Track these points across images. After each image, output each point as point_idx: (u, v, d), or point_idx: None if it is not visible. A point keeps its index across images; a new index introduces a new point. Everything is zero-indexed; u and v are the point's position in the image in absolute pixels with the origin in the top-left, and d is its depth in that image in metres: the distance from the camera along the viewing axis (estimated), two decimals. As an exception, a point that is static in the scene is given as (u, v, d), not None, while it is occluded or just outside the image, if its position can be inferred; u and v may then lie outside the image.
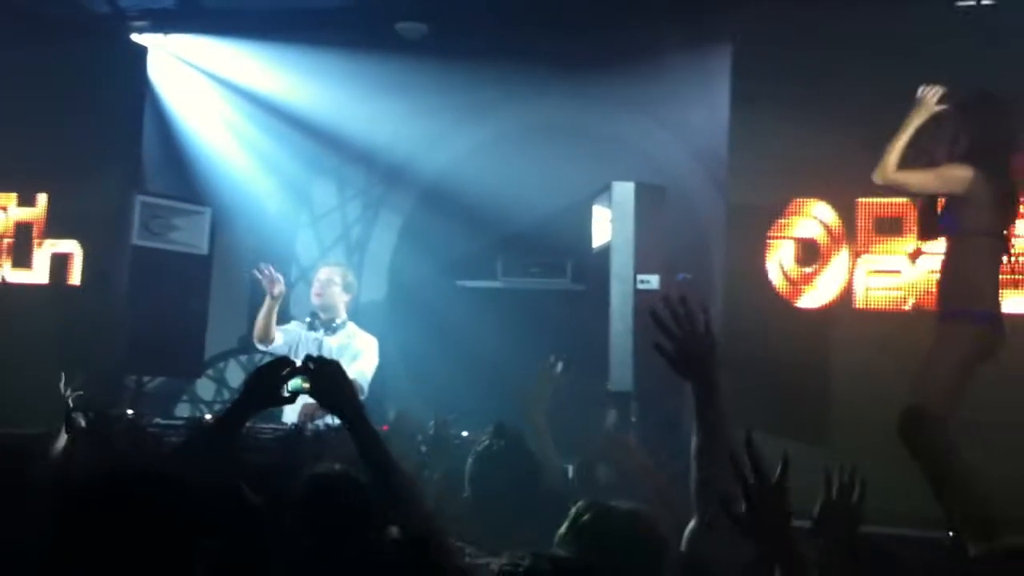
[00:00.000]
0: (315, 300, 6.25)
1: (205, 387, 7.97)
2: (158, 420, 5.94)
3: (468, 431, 4.97)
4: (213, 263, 7.20)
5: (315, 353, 3.79)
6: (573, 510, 2.72)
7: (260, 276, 6.15)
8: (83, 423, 4.32)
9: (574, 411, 5.89)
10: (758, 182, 5.88)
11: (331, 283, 6.17)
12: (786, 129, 5.71)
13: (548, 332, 6.86)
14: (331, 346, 6.05)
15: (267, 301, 6.14)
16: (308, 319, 6.31)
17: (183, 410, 7.69)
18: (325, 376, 2.75)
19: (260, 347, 6.33)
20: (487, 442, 3.67)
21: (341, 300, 6.19)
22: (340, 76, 7.33)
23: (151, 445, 5.42)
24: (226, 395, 7.90)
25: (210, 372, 7.89)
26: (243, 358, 8.06)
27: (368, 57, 7.15)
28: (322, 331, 6.18)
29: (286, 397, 2.85)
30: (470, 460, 3.63)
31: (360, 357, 6.07)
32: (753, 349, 5.62)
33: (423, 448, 4.07)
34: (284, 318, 8.15)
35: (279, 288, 6.12)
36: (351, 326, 6.22)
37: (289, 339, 6.22)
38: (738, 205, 5.98)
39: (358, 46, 7.11)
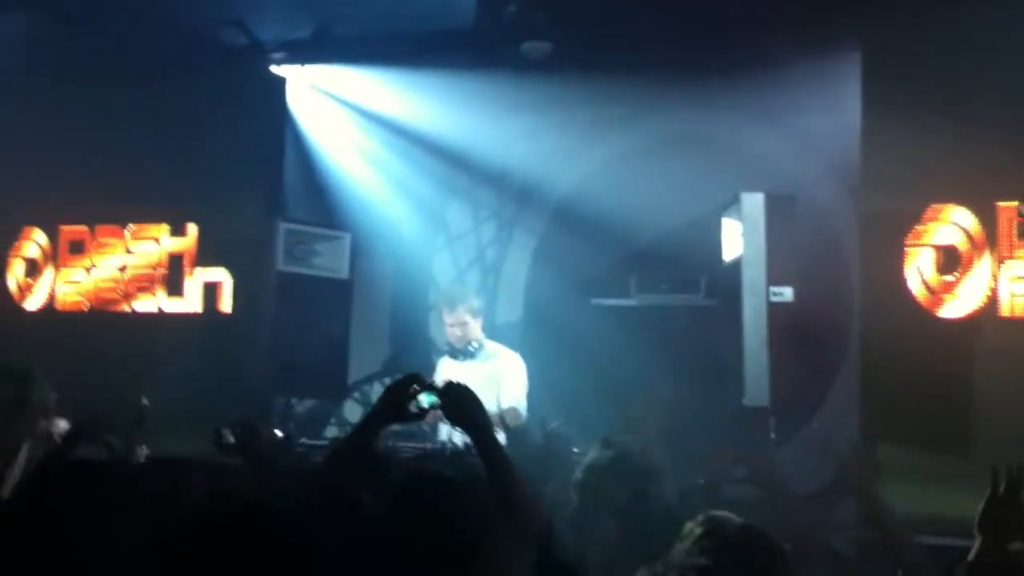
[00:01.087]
0: (451, 338, 6.37)
1: (352, 410, 8.17)
2: (304, 440, 6.14)
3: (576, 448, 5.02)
4: (354, 287, 7.39)
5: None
6: (689, 525, 2.71)
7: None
8: (231, 439, 4.52)
9: (708, 427, 5.87)
10: (893, 189, 5.74)
11: (462, 325, 6.28)
12: (921, 134, 5.57)
13: (682, 348, 6.83)
14: (477, 374, 6.13)
15: None
16: (447, 352, 6.42)
17: (331, 432, 7.91)
18: (454, 393, 2.83)
19: None
20: (596, 455, 3.70)
21: (476, 327, 6.31)
22: (469, 98, 7.45)
23: (295, 460, 5.63)
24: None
25: (356, 395, 8.07)
26: (387, 380, 8.23)
27: (495, 77, 7.25)
28: (462, 358, 6.29)
29: (415, 413, 2.92)
30: (578, 472, 3.67)
31: (507, 381, 6.14)
32: (893, 361, 5.48)
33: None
34: (425, 342, 8.36)
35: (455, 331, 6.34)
36: (489, 345, 6.32)
37: (446, 374, 6.34)
38: (873, 213, 5.85)
39: (485, 67, 7.21)
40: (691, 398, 5.99)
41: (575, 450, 4.27)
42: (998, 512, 2.67)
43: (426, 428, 5.67)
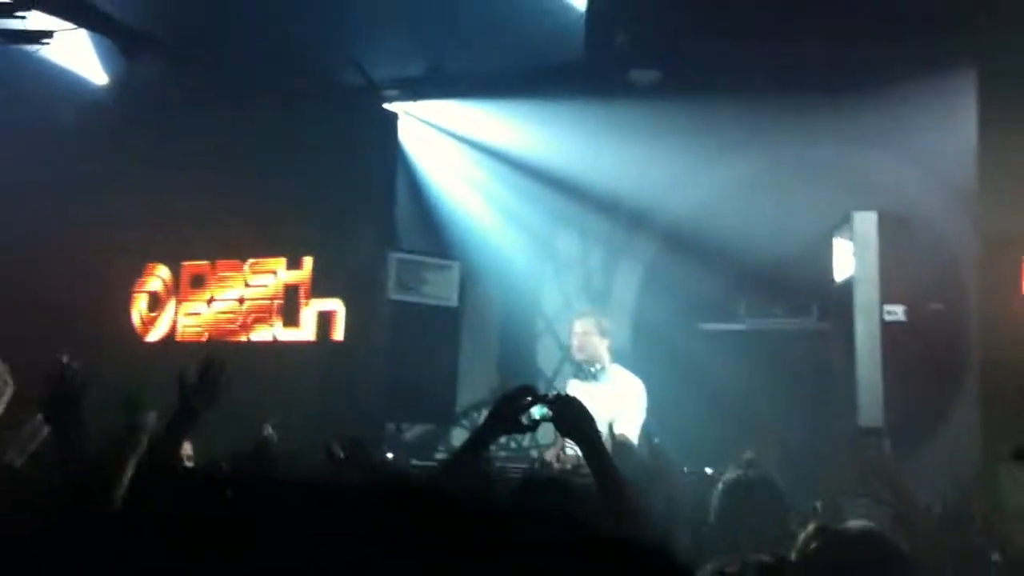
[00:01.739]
0: (578, 355, 6.41)
1: (460, 436, 8.25)
2: (414, 461, 6.25)
3: (709, 468, 4.99)
4: (463, 315, 7.50)
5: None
6: (802, 536, 2.70)
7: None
8: (341, 453, 4.63)
9: (822, 451, 5.79)
10: (1012, 207, 5.62)
11: (588, 335, 6.30)
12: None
13: (794, 371, 6.76)
14: (599, 395, 6.14)
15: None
16: (576, 373, 6.45)
17: (439, 457, 8.00)
18: (565, 405, 2.87)
19: None
20: (740, 472, 3.71)
21: (602, 346, 6.31)
22: (578, 127, 7.53)
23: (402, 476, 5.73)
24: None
25: (464, 422, 8.17)
26: (495, 407, 8.32)
27: (604, 106, 7.32)
28: (586, 379, 6.29)
29: (527, 424, 2.97)
30: (719, 488, 3.67)
31: (626, 406, 6.12)
32: (1014, 379, 5.34)
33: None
34: (533, 371, 8.40)
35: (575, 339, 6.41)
36: (615, 369, 6.32)
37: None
38: (991, 232, 5.73)
39: (593, 96, 7.29)
40: (804, 422, 5.93)
41: (684, 469, 4.27)
42: None
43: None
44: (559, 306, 8.49)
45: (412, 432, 7.69)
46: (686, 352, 7.28)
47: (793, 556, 2.70)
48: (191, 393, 3.25)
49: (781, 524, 3.54)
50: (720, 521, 3.61)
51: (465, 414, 8.06)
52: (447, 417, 7.54)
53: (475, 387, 8.10)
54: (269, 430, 4.83)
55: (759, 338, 7.22)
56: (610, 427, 4.90)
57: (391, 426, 7.19)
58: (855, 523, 2.85)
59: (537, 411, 2.96)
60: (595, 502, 2.91)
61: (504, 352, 8.50)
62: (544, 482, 2.92)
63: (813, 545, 2.66)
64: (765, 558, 2.30)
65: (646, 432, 4.67)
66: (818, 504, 4.74)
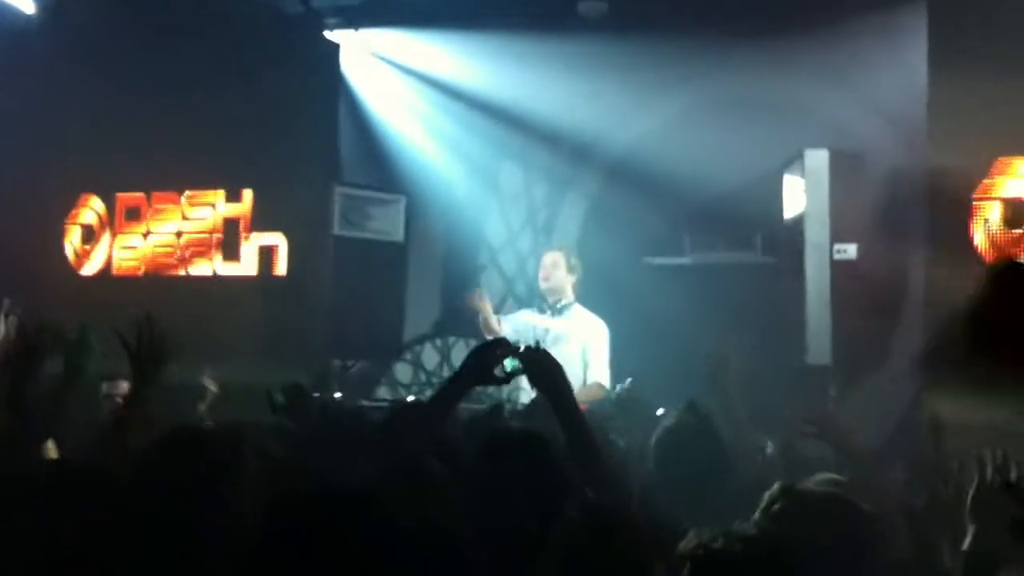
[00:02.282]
0: (543, 284, 6.42)
1: (403, 371, 8.21)
2: (363, 402, 6.19)
3: (661, 408, 5.00)
4: (408, 250, 7.41)
5: (544, 339, 3.90)
6: (767, 495, 2.69)
7: (467, 305, 6.39)
8: (282, 400, 4.57)
9: (769, 386, 5.84)
10: (960, 143, 5.65)
11: (556, 266, 6.33)
12: (989, 86, 5.47)
13: (739, 306, 6.79)
14: (558, 331, 6.13)
15: (481, 317, 6.32)
16: (537, 302, 6.46)
17: (383, 393, 7.96)
18: (537, 358, 2.84)
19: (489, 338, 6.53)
20: (678, 419, 3.66)
21: (568, 282, 6.34)
22: (523, 59, 7.42)
23: (355, 419, 5.68)
24: (423, 378, 8.12)
25: (407, 356, 8.13)
26: (438, 342, 8.28)
27: (550, 39, 7.22)
28: (549, 313, 6.29)
29: (501, 377, 2.93)
30: (656, 435, 3.62)
31: (593, 350, 6.13)
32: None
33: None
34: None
35: (486, 305, 6.44)
36: (577, 308, 6.32)
37: (516, 327, 6.35)
38: (939, 168, 5.76)
39: (540, 28, 7.18)
40: (750, 356, 5.96)
41: (659, 411, 4.25)
42: (987, 499, 2.65)
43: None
44: (503, 239, 8.44)
45: (354, 368, 7.63)
46: (631, 286, 7.28)
47: (757, 515, 2.69)
48: (139, 363, 3.13)
49: (722, 470, 3.51)
50: (660, 470, 3.56)
51: (408, 348, 8.03)
52: (393, 353, 7.48)
53: (418, 322, 8.05)
54: (211, 386, 4.73)
55: (704, 272, 7.25)
56: (584, 374, 4.89)
57: (337, 362, 7.10)
58: (820, 482, 2.85)
59: (509, 364, 2.92)
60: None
61: (447, 286, 8.44)
62: (518, 435, 2.86)
63: (776, 507, 2.66)
64: (749, 531, 2.28)
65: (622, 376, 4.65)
66: (768, 445, 4.78)
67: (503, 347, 2.92)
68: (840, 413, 5.02)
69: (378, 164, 7.84)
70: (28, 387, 3.20)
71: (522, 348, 2.88)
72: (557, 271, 6.31)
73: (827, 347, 5.56)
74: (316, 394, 5.46)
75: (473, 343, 8.06)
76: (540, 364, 2.84)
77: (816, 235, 5.66)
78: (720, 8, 6.73)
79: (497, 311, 8.28)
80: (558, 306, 6.29)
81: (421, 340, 8.23)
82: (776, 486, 2.77)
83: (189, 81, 7.67)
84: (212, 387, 4.82)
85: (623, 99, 7.72)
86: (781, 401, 5.48)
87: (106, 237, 8.20)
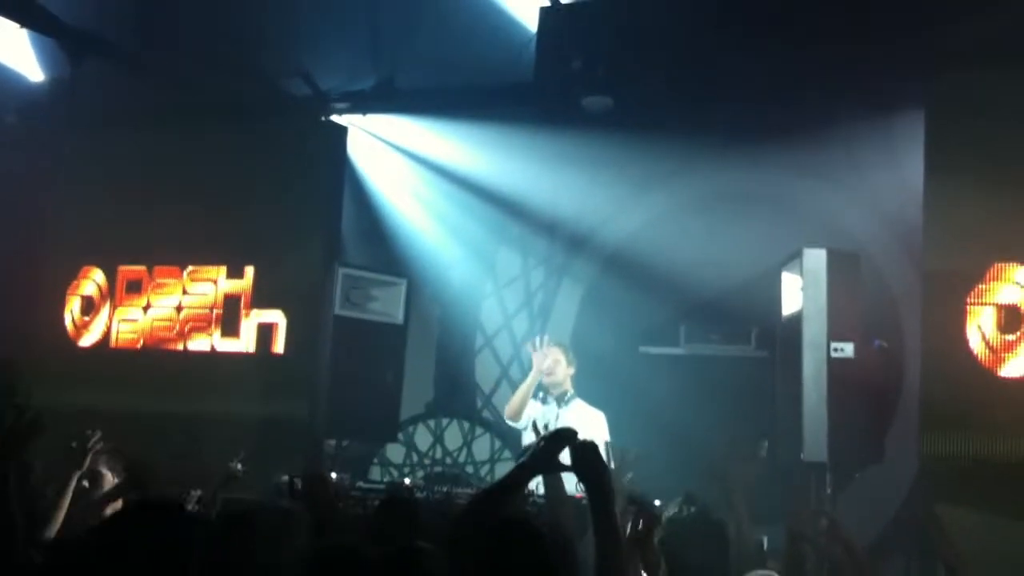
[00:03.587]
0: (546, 380, 6.48)
1: (394, 451, 8.22)
2: (360, 484, 6.20)
3: (658, 500, 5.03)
4: (407, 332, 7.46)
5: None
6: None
7: (532, 350, 6.43)
8: (299, 487, 4.59)
9: (764, 481, 5.88)
10: (955, 247, 5.79)
11: (558, 363, 6.44)
12: (984, 193, 5.62)
13: (733, 398, 6.84)
14: (566, 420, 6.19)
15: (531, 375, 6.40)
16: (540, 394, 6.51)
17: (375, 473, 7.96)
18: (586, 450, 2.88)
19: (510, 423, 6.55)
20: (678, 510, 3.72)
21: (567, 375, 6.45)
22: (526, 149, 7.58)
23: (353, 504, 5.69)
24: (415, 459, 8.14)
25: (400, 437, 8.14)
26: (431, 423, 8.31)
27: (554, 131, 7.39)
28: (555, 404, 6.40)
29: (567, 465, 2.97)
30: (662, 527, 3.68)
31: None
32: (952, 418, 5.50)
33: None
34: (471, 386, 8.41)
35: (547, 361, 6.37)
36: (578, 401, 6.43)
37: (529, 414, 6.41)
38: (934, 271, 5.89)
39: (544, 121, 7.34)
40: (754, 457, 6.00)
41: (657, 503, 4.28)
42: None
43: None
44: (498, 323, 8.51)
45: (345, 447, 7.63)
46: (626, 374, 7.33)
47: None
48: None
49: (725, 561, 3.58)
50: (666, 559, 3.61)
51: (401, 428, 8.04)
52: (389, 434, 7.49)
53: (412, 403, 8.08)
54: (237, 467, 4.77)
55: (698, 363, 7.30)
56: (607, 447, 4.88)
57: (331, 443, 7.10)
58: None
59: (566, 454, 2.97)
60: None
61: (441, 367, 8.49)
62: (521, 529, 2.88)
63: None
64: None
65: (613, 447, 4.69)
66: (764, 539, 4.82)
67: (567, 438, 2.96)
68: (837, 510, 5.05)
69: (381, 246, 7.93)
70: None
71: (577, 440, 2.90)
72: (559, 367, 6.46)
73: (823, 444, 5.59)
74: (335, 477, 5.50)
75: (466, 425, 8.22)
76: (589, 456, 2.88)
77: (814, 333, 5.72)
78: (722, 108, 6.89)
79: (491, 394, 8.37)
80: (564, 399, 6.39)
81: (414, 421, 8.26)
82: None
83: (195, 157, 7.81)
84: (238, 469, 4.83)
85: (622, 190, 7.86)
86: (777, 496, 5.54)
87: (106, 309, 8.23)
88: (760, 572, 3.12)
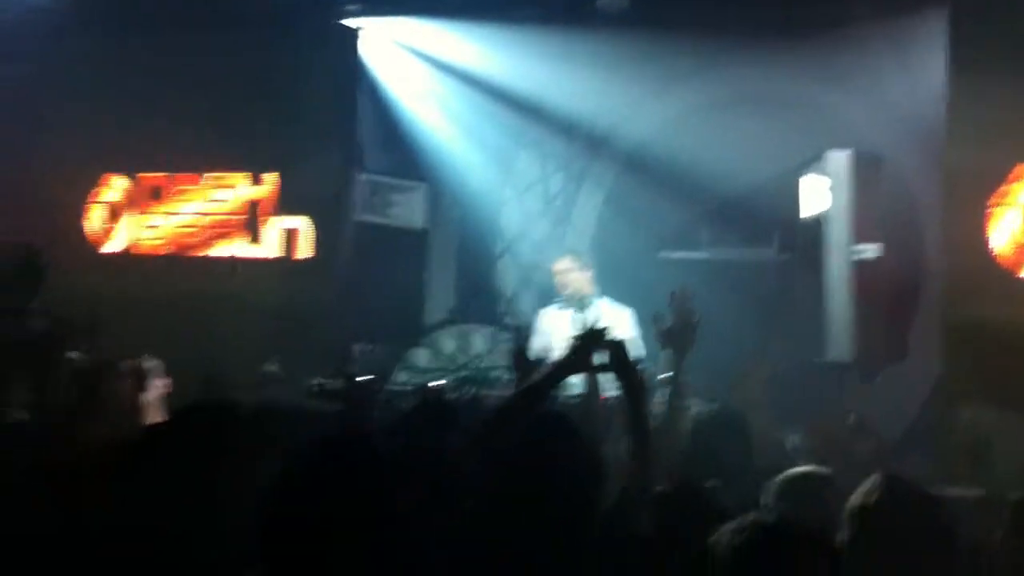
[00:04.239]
0: (563, 293, 6.44)
1: (419, 355, 8.28)
2: (387, 386, 6.30)
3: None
4: (429, 236, 7.49)
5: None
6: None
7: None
8: (330, 386, 4.68)
9: (787, 382, 5.96)
10: (979, 148, 5.76)
11: (568, 272, 6.36)
12: (1009, 92, 5.58)
13: (755, 302, 6.90)
14: (585, 322, 6.20)
15: None
16: (559, 302, 6.50)
17: (402, 377, 8.04)
18: (621, 348, 2.93)
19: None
20: (706, 410, 3.79)
21: (584, 279, 6.36)
22: (543, 50, 7.48)
23: (383, 404, 5.78)
24: (439, 363, 8.22)
25: (424, 341, 8.20)
26: (455, 328, 8.38)
27: (570, 31, 7.29)
28: (572, 310, 6.34)
29: (596, 366, 3.02)
30: (687, 424, 3.74)
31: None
32: (973, 319, 5.55)
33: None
34: (489, 290, 8.45)
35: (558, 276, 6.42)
36: (603, 302, 6.35)
37: (548, 323, 6.41)
38: (957, 172, 5.87)
39: (560, 21, 7.25)
40: (778, 355, 6.07)
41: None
42: None
43: None
44: (519, 228, 8.53)
45: (375, 351, 7.70)
46: (647, 280, 7.37)
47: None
48: None
49: (746, 458, 3.65)
50: (688, 457, 3.67)
51: (426, 333, 8.11)
52: (414, 338, 7.57)
53: (436, 307, 8.16)
54: (273, 367, 4.84)
55: (720, 268, 7.34)
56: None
57: (356, 347, 7.19)
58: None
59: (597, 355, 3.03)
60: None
61: (462, 273, 8.53)
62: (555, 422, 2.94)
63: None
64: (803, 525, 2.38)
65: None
66: (791, 439, 4.91)
67: (598, 337, 3.01)
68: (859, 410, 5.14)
69: (397, 151, 7.91)
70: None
71: (612, 339, 2.95)
72: (571, 275, 6.37)
73: (847, 344, 5.66)
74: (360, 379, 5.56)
75: (490, 330, 8.28)
76: (623, 353, 2.93)
77: (837, 235, 5.76)
78: (741, 6, 6.80)
79: (511, 300, 8.41)
80: (583, 304, 6.35)
81: (438, 326, 8.33)
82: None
83: (214, 63, 7.75)
84: (276, 370, 4.89)
85: (639, 91, 7.77)
86: (800, 397, 5.63)
87: (128, 216, 8.26)
88: (801, 468, 3.18)
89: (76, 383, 3.72)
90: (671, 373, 3.68)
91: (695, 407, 3.88)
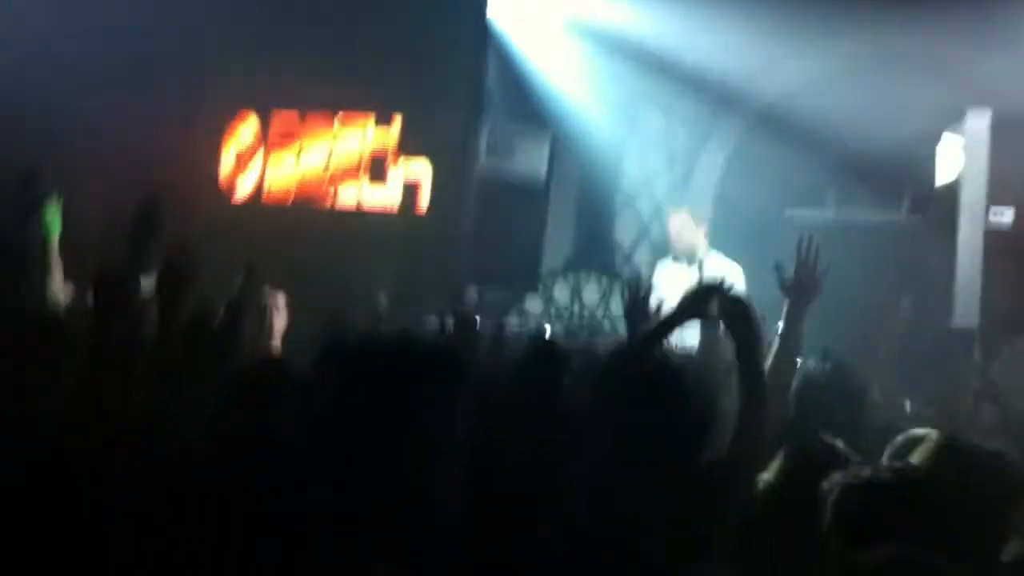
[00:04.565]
0: (675, 246, 6.54)
1: (533, 303, 8.33)
2: (500, 330, 6.34)
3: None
4: (549, 186, 7.50)
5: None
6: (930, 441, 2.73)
7: None
8: (447, 324, 4.73)
9: (913, 346, 5.83)
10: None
11: (684, 227, 6.46)
12: None
13: (882, 264, 6.73)
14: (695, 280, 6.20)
15: None
16: (672, 257, 6.50)
17: (514, 322, 8.10)
18: (736, 303, 2.90)
19: None
20: (813, 364, 3.72)
21: (698, 236, 6.44)
22: (671, 5, 7.39)
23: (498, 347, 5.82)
24: (553, 312, 8.27)
25: (539, 288, 8.25)
26: (570, 277, 8.41)
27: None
28: (686, 263, 6.39)
29: (713, 314, 3.01)
30: (795, 381, 3.66)
31: None
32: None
33: None
34: (607, 242, 8.44)
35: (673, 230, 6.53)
36: (713, 257, 6.40)
37: (662, 276, 6.40)
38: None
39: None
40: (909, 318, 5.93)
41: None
42: None
43: None
44: (639, 183, 8.48)
45: (491, 295, 7.77)
46: (771, 239, 7.25)
47: (918, 462, 2.73)
48: None
49: (858, 417, 3.57)
50: (797, 414, 3.61)
51: (541, 280, 8.15)
52: (530, 284, 7.62)
53: (552, 256, 8.18)
54: (382, 297, 4.93)
55: (848, 228, 7.17)
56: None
57: (473, 290, 7.27)
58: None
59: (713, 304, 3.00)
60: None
61: (580, 224, 8.53)
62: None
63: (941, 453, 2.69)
64: (890, 472, 2.35)
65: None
66: (907, 404, 4.81)
67: (715, 289, 2.99)
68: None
69: (522, 100, 7.89)
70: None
71: (729, 291, 2.92)
72: (686, 231, 6.44)
73: (975, 310, 5.50)
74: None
75: (604, 279, 8.27)
76: (737, 310, 2.90)
77: (971, 198, 5.59)
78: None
79: (630, 255, 8.38)
80: (694, 258, 6.34)
81: (554, 275, 8.36)
82: (937, 434, 2.81)
83: (340, 5, 7.86)
84: (383, 303, 5.00)
85: (771, 47, 7.58)
86: (925, 362, 5.50)
87: (259, 156, 8.43)
88: (917, 430, 3.11)
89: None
90: (785, 325, 3.61)
91: (808, 362, 3.83)
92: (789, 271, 3.66)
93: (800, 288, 3.63)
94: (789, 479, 2.79)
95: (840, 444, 2.92)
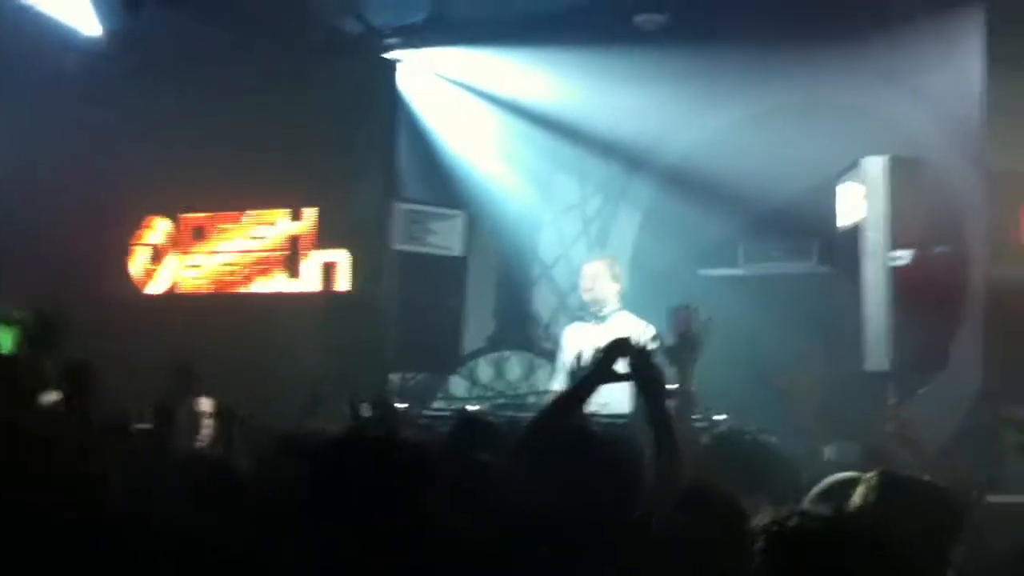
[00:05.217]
0: (585, 296, 6.32)
1: (456, 384, 8.28)
2: (425, 412, 6.30)
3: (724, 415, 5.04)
4: (468, 263, 7.51)
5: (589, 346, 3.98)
6: (863, 480, 2.75)
7: None
8: (368, 413, 4.69)
9: (829, 393, 5.88)
10: (1020, 147, 5.66)
11: (598, 277, 6.22)
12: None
13: (796, 316, 6.81)
14: (606, 338, 6.12)
15: None
16: (581, 315, 6.42)
17: (439, 405, 8.04)
18: (645, 358, 2.92)
19: None
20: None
21: (612, 291, 6.22)
22: (580, 72, 7.49)
23: (421, 431, 5.78)
24: (475, 392, 8.21)
25: (461, 370, 8.20)
26: (493, 356, 8.37)
27: (608, 52, 7.29)
28: (593, 322, 6.23)
29: (622, 375, 3.01)
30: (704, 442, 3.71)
31: None
32: (1016, 321, 5.45)
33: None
34: (527, 316, 8.43)
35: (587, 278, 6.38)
36: (622, 315, 6.20)
37: (572, 339, 6.33)
38: (998, 173, 5.78)
39: (597, 41, 7.25)
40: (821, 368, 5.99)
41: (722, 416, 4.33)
42: None
43: None
44: (556, 252, 8.50)
45: (415, 381, 7.72)
46: (686, 297, 7.29)
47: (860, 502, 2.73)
48: None
49: (760, 478, 3.60)
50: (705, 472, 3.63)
51: (463, 362, 8.10)
52: (452, 366, 7.58)
53: (474, 335, 8.15)
54: (324, 391, 4.88)
55: (759, 283, 7.26)
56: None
57: (395, 376, 7.22)
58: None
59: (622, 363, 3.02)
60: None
61: (501, 299, 8.53)
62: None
63: (873, 491, 2.70)
64: (826, 512, 2.35)
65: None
66: (825, 452, 4.84)
67: (622, 347, 3.01)
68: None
69: (435, 178, 7.95)
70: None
71: (636, 348, 2.95)
72: (599, 282, 6.21)
73: (885, 353, 5.56)
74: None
75: (527, 356, 8.25)
76: (648, 364, 2.92)
77: (874, 242, 5.67)
78: (775, 17, 6.77)
79: (549, 325, 8.38)
80: (601, 314, 6.21)
81: (475, 354, 8.32)
82: (874, 473, 2.81)
83: (251, 101, 7.86)
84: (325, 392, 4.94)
85: (677, 108, 7.71)
86: (841, 408, 5.55)
87: (171, 257, 8.37)
88: (839, 476, 3.13)
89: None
90: (677, 385, 3.71)
91: (704, 426, 3.88)
92: (668, 340, 3.82)
93: (678, 355, 3.84)
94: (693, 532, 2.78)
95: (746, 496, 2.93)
